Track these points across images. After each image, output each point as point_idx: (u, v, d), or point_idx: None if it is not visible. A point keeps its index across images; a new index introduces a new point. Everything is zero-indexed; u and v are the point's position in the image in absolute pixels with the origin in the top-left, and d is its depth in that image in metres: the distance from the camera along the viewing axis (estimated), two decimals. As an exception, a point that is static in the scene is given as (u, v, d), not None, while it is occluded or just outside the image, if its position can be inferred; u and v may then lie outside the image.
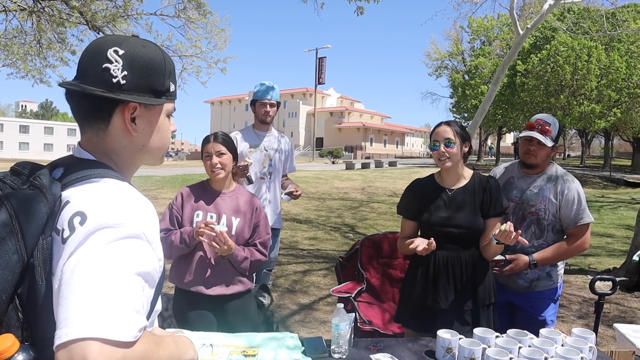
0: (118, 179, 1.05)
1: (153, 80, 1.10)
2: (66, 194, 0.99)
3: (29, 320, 0.94)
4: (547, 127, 2.83)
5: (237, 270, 2.79)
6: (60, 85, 1.07)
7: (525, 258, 2.83)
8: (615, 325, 3.08)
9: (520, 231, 2.40)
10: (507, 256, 2.86)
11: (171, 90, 1.15)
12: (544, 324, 2.87)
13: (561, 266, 2.99)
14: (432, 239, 2.50)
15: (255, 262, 2.80)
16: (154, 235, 1.01)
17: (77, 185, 1.01)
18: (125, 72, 1.05)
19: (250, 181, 3.77)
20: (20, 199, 0.94)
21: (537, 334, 2.85)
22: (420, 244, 2.50)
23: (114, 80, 1.04)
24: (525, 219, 2.92)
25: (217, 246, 2.60)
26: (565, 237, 2.89)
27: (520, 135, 2.93)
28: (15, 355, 0.89)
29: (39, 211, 0.94)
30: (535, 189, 2.90)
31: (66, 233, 0.92)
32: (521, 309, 2.96)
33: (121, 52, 1.05)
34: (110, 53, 1.05)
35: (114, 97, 1.05)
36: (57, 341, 0.82)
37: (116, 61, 1.04)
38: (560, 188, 2.84)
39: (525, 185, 2.94)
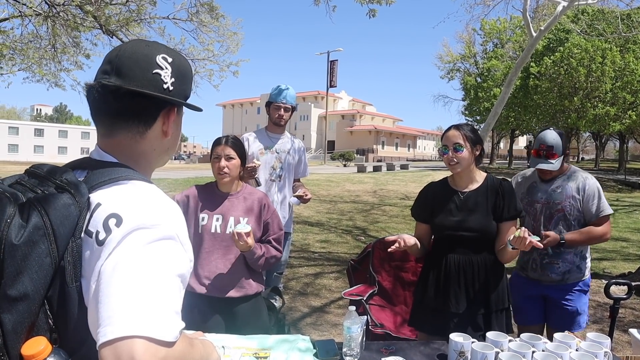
0: (145, 181, 1.07)
1: (187, 87, 1.18)
2: (95, 196, 1.00)
3: (58, 322, 0.95)
4: (552, 152, 3.01)
5: (247, 272, 2.79)
6: (107, 85, 1.05)
7: (557, 237, 3.00)
8: (631, 330, 3.04)
9: (531, 239, 2.37)
10: (543, 233, 3.01)
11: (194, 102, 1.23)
12: (576, 314, 3.09)
13: (588, 260, 3.20)
14: (401, 238, 2.57)
15: (270, 258, 2.81)
16: (185, 237, 1.02)
17: (105, 187, 1.01)
18: (173, 79, 1.12)
19: (258, 184, 3.77)
20: (51, 201, 0.94)
21: (571, 325, 3.06)
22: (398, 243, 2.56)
23: (165, 86, 1.10)
24: (553, 217, 3.10)
25: (240, 243, 2.60)
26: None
27: (537, 167, 3.07)
28: (48, 358, 0.90)
29: (70, 213, 0.94)
30: (559, 188, 3.10)
31: (102, 235, 0.93)
32: (554, 302, 3.12)
33: (170, 59, 1.12)
34: (159, 59, 1.10)
35: (174, 100, 1.12)
36: (102, 339, 0.83)
37: (166, 68, 1.11)
38: (581, 185, 3.05)
39: (548, 187, 3.14)
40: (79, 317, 0.93)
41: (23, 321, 0.89)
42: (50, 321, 0.94)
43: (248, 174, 3.59)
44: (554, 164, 3.00)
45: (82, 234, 0.96)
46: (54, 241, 0.92)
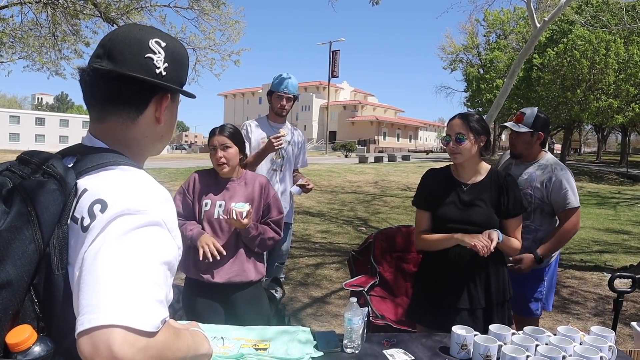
0: (134, 167, 1.04)
1: (182, 73, 1.15)
2: (82, 182, 0.98)
3: (45, 310, 0.93)
4: (521, 116, 3.14)
5: (248, 258, 2.78)
6: (98, 69, 1.04)
7: (530, 256, 3.03)
8: (633, 323, 3.01)
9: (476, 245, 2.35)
10: (512, 258, 2.98)
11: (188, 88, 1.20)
12: (526, 300, 3.17)
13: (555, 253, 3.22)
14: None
15: (268, 239, 2.81)
16: (173, 223, 1.00)
17: (93, 173, 0.99)
18: (166, 64, 1.09)
19: (281, 155, 3.79)
20: (35, 187, 0.92)
21: (522, 309, 3.14)
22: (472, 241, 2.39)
23: (157, 71, 1.07)
24: None
25: (234, 220, 2.60)
26: (557, 222, 3.16)
27: (502, 124, 3.33)
28: (33, 346, 0.88)
29: (54, 199, 0.92)
30: (526, 175, 3.16)
31: (86, 221, 0.92)
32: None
33: (163, 44, 1.09)
34: (152, 43, 1.07)
35: (166, 86, 1.09)
36: (80, 327, 0.81)
37: (159, 52, 1.08)
38: (548, 176, 3.08)
39: (518, 172, 3.19)
40: (66, 305, 0.91)
41: (7, 309, 0.87)
42: (36, 309, 0.93)
43: (272, 145, 3.61)
44: (519, 127, 3.11)
45: (69, 221, 0.94)
46: (39, 227, 0.90)
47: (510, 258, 2.98)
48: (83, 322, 0.81)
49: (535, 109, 3.18)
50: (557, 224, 3.17)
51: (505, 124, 3.18)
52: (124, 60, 1.04)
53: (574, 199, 3.05)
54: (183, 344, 0.99)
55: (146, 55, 1.06)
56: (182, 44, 1.20)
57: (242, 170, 2.92)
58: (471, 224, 2.51)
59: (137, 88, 1.06)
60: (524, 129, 3.09)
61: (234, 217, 2.59)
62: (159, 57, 1.07)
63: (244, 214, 2.60)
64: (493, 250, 2.37)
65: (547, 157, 3.19)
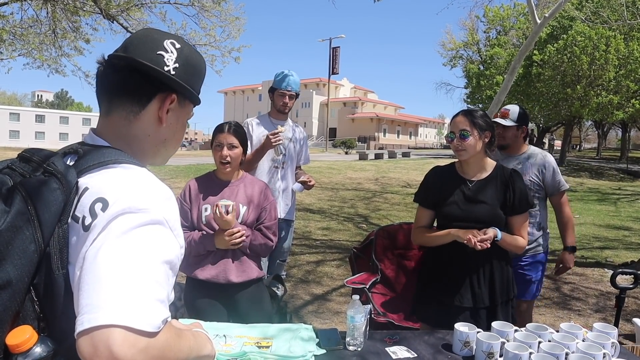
0: (136, 165, 1.03)
1: (195, 82, 1.16)
2: (83, 180, 0.97)
3: (46, 311, 0.92)
4: (506, 112, 3.40)
5: (248, 258, 2.77)
6: (111, 56, 1.07)
7: (565, 252, 3.43)
8: (635, 320, 3.02)
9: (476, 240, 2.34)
10: (555, 270, 3.43)
11: (199, 97, 1.21)
12: (529, 283, 3.34)
13: (548, 236, 3.49)
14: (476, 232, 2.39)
15: (258, 245, 2.75)
16: (175, 222, 0.99)
17: (94, 171, 0.98)
18: (176, 65, 1.10)
19: (280, 152, 3.76)
20: (35, 186, 0.91)
21: (529, 294, 3.33)
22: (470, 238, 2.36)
23: (165, 68, 1.08)
24: None
25: (217, 215, 2.57)
26: (547, 205, 3.47)
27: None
28: (34, 347, 0.87)
29: (55, 198, 0.92)
30: (519, 165, 3.34)
31: (88, 220, 0.91)
32: (514, 270, 3.19)
33: (178, 45, 1.11)
34: (166, 43, 1.09)
35: (171, 80, 1.09)
36: (79, 327, 0.80)
37: (171, 52, 1.09)
38: (541, 162, 3.35)
39: (509, 164, 3.23)
40: (67, 305, 0.90)
41: (7, 309, 0.87)
42: (37, 309, 0.92)
43: (270, 142, 3.59)
44: (505, 121, 3.34)
45: (69, 220, 0.93)
46: (39, 227, 0.89)
47: (554, 271, 3.46)
48: (82, 322, 0.81)
49: (517, 106, 3.45)
50: (546, 208, 3.47)
51: (494, 119, 3.34)
52: (136, 53, 1.06)
53: (564, 182, 3.41)
54: (185, 345, 0.98)
55: (158, 52, 1.07)
56: (202, 56, 1.21)
57: (242, 173, 2.90)
58: (476, 221, 2.49)
59: (141, 81, 1.07)
60: (511, 123, 3.34)
61: (217, 212, 2.55)
62: (170, 56, 1.08)
63: (230, 209, 2.57)
64: (489, 246, 2.36)
65: (532, 148, 3.46)
